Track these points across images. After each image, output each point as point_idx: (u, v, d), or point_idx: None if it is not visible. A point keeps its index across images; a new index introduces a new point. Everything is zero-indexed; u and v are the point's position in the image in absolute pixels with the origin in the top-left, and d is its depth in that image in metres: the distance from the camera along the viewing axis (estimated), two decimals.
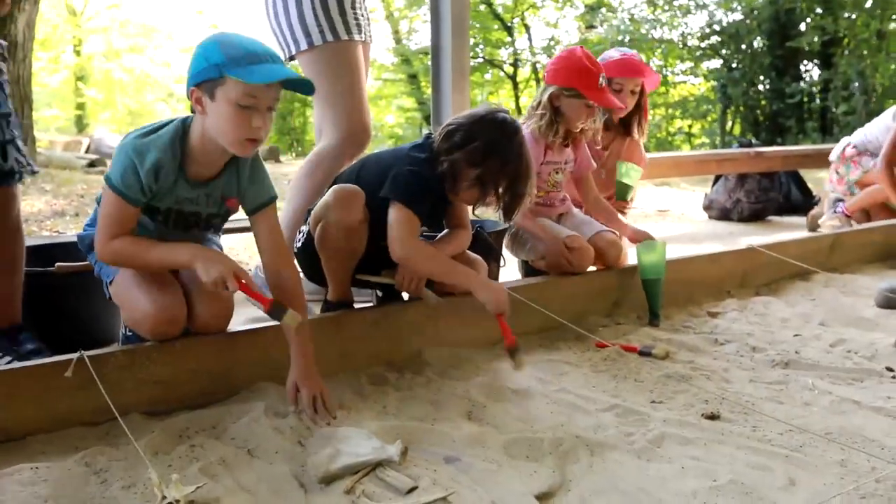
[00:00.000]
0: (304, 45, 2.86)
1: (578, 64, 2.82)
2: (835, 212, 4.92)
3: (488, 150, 2.21)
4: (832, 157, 5.10)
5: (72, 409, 1.88)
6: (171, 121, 1.96)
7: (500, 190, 2.29)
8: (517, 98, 19.15)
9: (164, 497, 1.48)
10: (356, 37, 2.90)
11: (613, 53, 3.36)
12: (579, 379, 2.27)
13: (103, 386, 1.82)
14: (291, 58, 2.95)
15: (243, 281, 1.87)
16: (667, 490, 1.61)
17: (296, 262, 2.29)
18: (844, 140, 5.02)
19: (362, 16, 2.99)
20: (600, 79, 2.82)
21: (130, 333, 2.17)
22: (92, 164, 9.25)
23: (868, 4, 15.09)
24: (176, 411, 1.98)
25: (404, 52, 19.84)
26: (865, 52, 15.03)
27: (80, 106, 20.79)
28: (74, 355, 1.88)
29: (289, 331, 1.93)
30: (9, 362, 2.11)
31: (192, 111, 1.90)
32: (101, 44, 22.29)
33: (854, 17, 15.21)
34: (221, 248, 2.22)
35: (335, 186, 2.33)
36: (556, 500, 1.61)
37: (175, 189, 1.95)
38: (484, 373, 2.28)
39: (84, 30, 21.72)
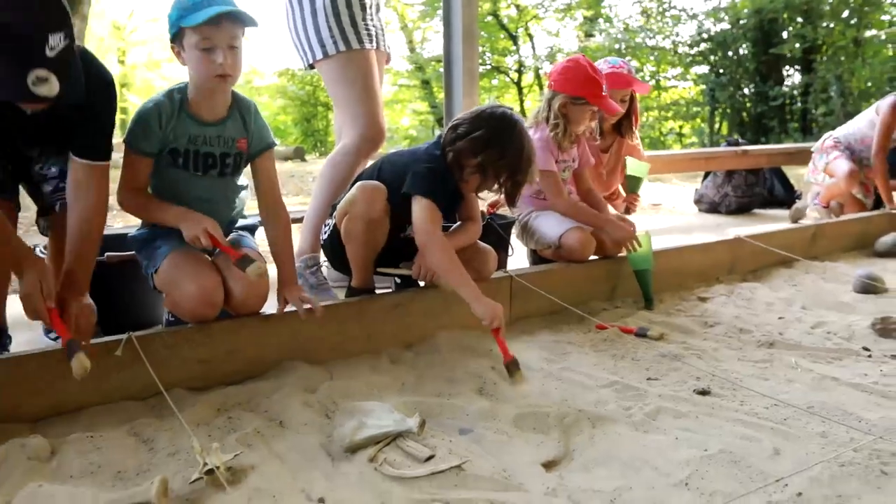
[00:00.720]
0: (319, 55, 2.88)
1: (585, 74, 2.86)
2: (815, 203, 4.90)
3: (489, 139, 2.23)
4: (813, 148, 5.06)
5: (121, 384, 1.90)
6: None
7: (502, 178, 2.29)
8: (521, 101, 19.10)
9: (205, 464, 1.49)
10: (367, 45, 2.90)
11: (603, 66, 3.31)
12: (581, 358, 2.27)
13: (150, 364, 1.84)
14: (310, 66, 2.97)
15: (214, 236, 1.98)
16: (662, 459, 1.62)
17: (321, 251, 2.31)
18: (828, 134, 4.98)
19: (374, 26, 2.98)
20: (603, 87, 2.84)
21: (173, 318, 2.19)
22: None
23: (845, 14, 15.00)
24: (214, 387, 1.99)
25: (418, 59, 19.82)
26: (843, 59, 14.93)
27: (123, 110, 20.83)
28: (124, 336, 1.90)
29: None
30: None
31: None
32: (142, 54, 22.39)
33: (832, 26, 15.11)
34: (245, 189, 2.31)
35: (360, 183, 2.34)
36: (561, 467, 1.62)
37: (185, 127, 2.05)
38: (494, 353, 2.28)
39: (127, 42, 21.82)
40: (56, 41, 1.56)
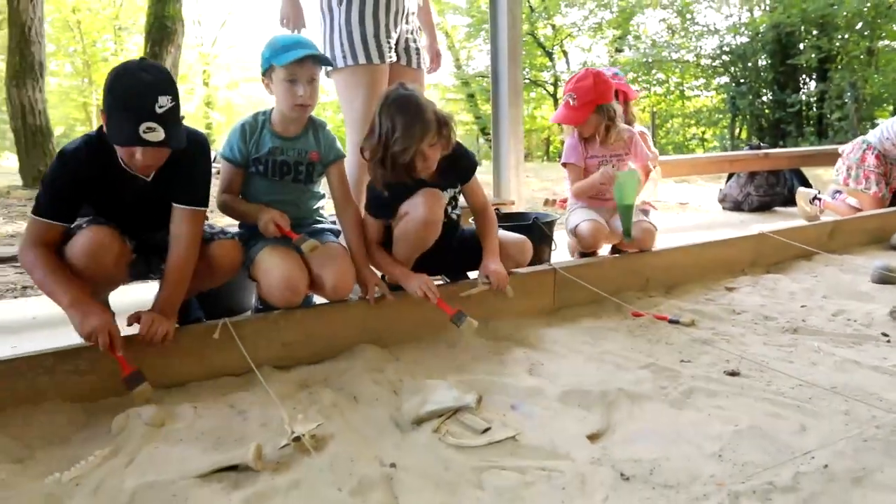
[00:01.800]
0: (338, 64, 2.85)
1: (609, 84, 2.95)
2: (832, 198, 4.73)
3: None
4: (842, 149, 4.79)
5: (219, 362, 1.95)
6: None
7: (390, 153, 2.09)
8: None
9: (292, 432, 1.53)
10: (377, 61, 2.83)
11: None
12: (619, 342, 2.25)
13: (242, 345, 1.89)
14: (328, 75, 2.92)
15: (280, 225, 2.09)
16: (696, 433, 1.60)
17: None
18: (860, 138, 4.72)
19: (394, 44, 2.90)
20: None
21: (262, 307, 2.24)
22: (218, 172, 9.45)
23: (859, 26, 14.44)
24: (296, 366, 2.04)
25: (463, 76, 19.81)
26: (857, 67, 14.39)
27: (208, 126, 21.41)
28: (221, 321, 1.95)
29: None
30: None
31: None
32: (223, 77, 22.92)
33: (847, 37, 14.57)
34: (321, 196, 2.40)
35: (425, 189, 2.21)
36: (604, 439, 1.61)
37: (266, 140, 2.20)
38: (540, 337, 2.28)
39: (212, 65, 22.36)
40: (164, 101, 1.75)
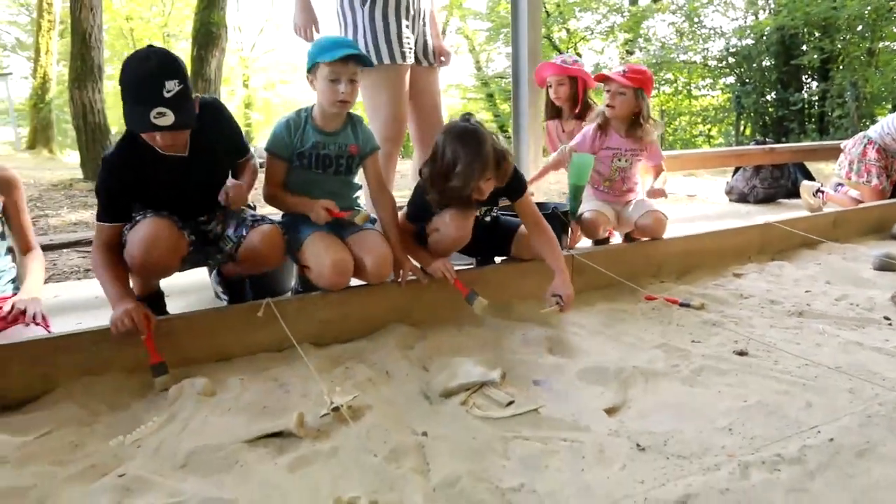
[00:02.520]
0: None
1: (652, 82, 2.88)
2: (834, 191, 4.62)
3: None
4: (844, 145, 4.68)
5: (262, 339, 1.97)
6: None
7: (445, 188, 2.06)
8: None
9: (332, 402, 1.54)
10: (399, 61, 2.79)
11: (555, 59, 3.35)
12: (634, 323, 2.22)
13: (284, 323, 1.90)
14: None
15: (330, 209, 2.10)
16: (707, 408, 1.58)
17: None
18: (861, 134, 4.60)
19: (413, 44, 2.86)
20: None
21: (301, 289, 2.25)
22: (261, 166, 9.53)
23: (859, 28, 14.06)
24: (333, 343, 2.04)
25: (483, 77, 19.69)
26: (857, 67, 13.99)
27: (248, 125, 21.55)
28: (264, 301, 1.97)
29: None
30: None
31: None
32: (262, 79, 23.04)
33: (848, 38, 14.19)
34: (360, 188, 2.39)
35: (455, 212, 2.17)
36: (621, 413, 1.60)
37: (309, 135, 2.17)
38: (560, 318, 2.25)
39: (251, 68, 22.48)
40: (172, 85, 1.75)
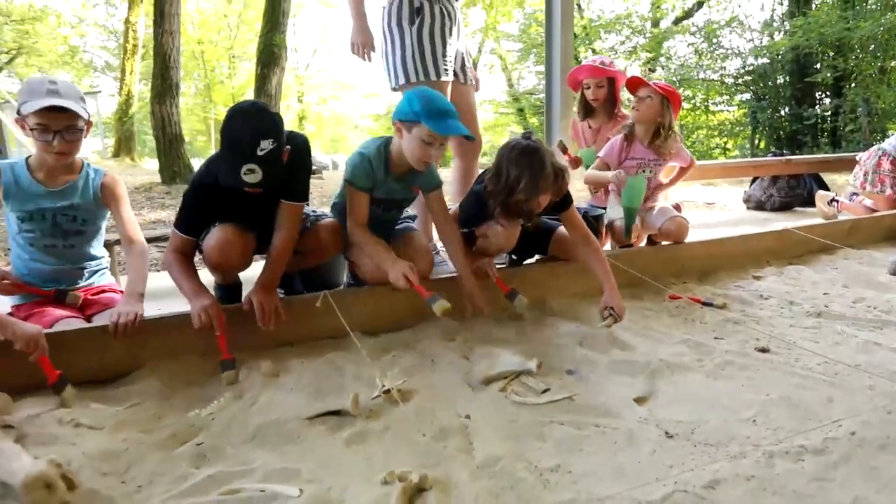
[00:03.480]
0: (402, 80, 2.70)
1: (680, 101, 2.86)
2: (849, 200, 4.44)
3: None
4: (860, 157, 4.50)
5: (320, 327, 1.99)
6: (378, 139, 2.08)
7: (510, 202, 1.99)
8: None
9: (383, 385, 1.55)
10: (444, 78, 2.72)
11: (587, 62, 3.25)
12: (659, 320, 2.17)
13: (340, 313, 1.91)
14: (395, 89, 2.77)
15: (410, 278, 1.87)
16: (732, 400, 1.53)
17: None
18: (876, 146, 4.42)
19: (452, 63, 2.79)
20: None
21: (352, 282, 2.26)
22: (313, 172, 9.67)
23: (872, 47, 13.52)
24: (382, 333, 2.05)
25: (514, 93, 19.63)
26: (869, 84, 13.45)
27: None
28: (322, 293, 1.99)
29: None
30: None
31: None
32: (315, 96, 23.41)
33: (860, 57, 13.66)
34: (414, 219, 2.34)
35: (500, 229, 2.16)
36: (649, 403, 1.56)
37: (386, 182, 2.05)
38: (591, 315, 2.21)
39: (305, 86, 22.86)
40: (266, 144, 1.66)
